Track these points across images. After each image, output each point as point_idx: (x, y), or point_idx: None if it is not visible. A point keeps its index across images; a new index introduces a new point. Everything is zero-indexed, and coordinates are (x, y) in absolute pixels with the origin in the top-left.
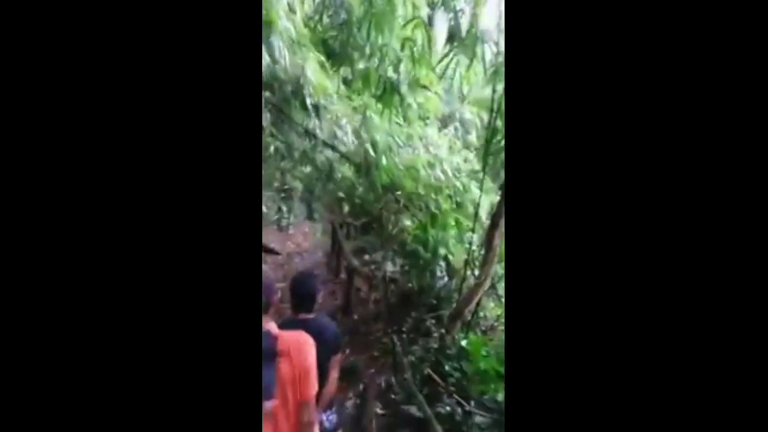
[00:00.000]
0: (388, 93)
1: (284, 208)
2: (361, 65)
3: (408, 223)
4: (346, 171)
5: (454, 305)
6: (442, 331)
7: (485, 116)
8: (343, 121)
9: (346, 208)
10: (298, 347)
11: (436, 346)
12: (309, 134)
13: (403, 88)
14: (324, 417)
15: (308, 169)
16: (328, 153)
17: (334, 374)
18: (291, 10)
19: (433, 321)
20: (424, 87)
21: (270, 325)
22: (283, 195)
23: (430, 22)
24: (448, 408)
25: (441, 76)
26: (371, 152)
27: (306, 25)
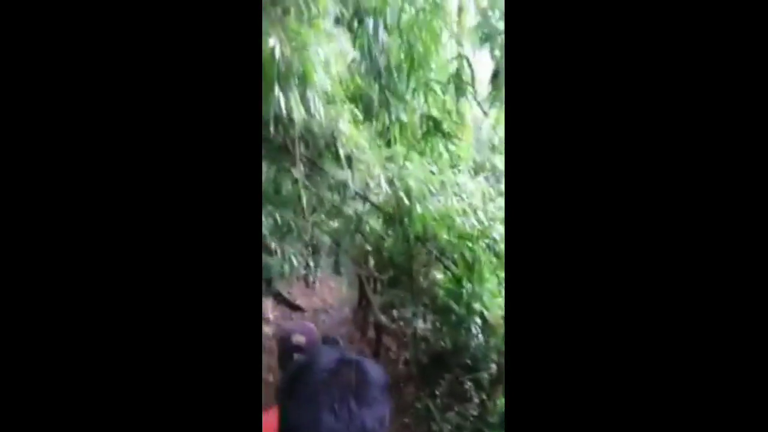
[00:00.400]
0: (432, 132)
1: (312, 264)
2: (400, 113)
3: (439, 276)
4: (374, 224)
5: (494, 366)
6: (483, 396)
7: None
8: (376, 171)
9: (372, 262)
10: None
11: (475, 413)
12: (339, 186)
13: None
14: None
15: (336, 223)
16: (358, 206)
17: None
18: (327, 64)
19: (471, 384)
20: (456, 137)
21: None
22: (311, 250)
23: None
24: None
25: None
26: (405, 200)
27: (341, 81)
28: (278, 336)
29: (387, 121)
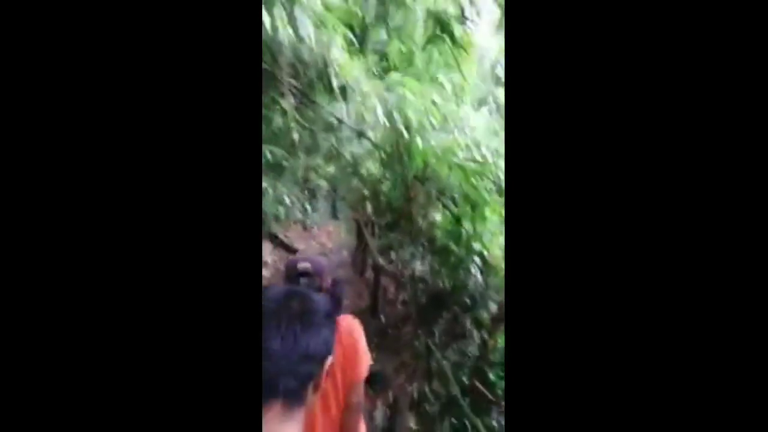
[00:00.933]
0: (441, 33)
1: (309, 208)
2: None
3: (438, 217)
4: (372, 167)
5: (494, 306)
6: (483, 334)
7: None
8: (372, 103)
9: (370, 208)
10: (349, 330)
11: (475, 350)
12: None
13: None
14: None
15: (333, 168)
16: (354, 148)
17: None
18: None
19: (470, 322)
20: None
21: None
22: (307, 193)
23: None
24: (494, 423)
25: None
26: (405, 134)
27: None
28: (285, 263)
29: (383, 36)
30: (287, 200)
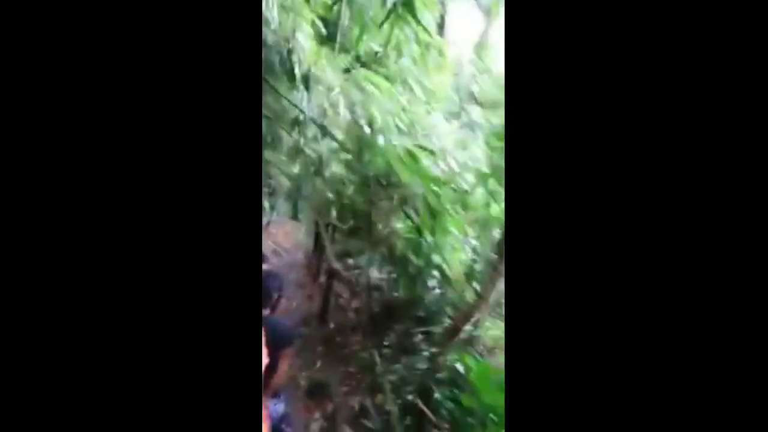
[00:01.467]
0: (398, 14)
1: (267, 205)
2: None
3: (400, 225)
4: (336, 168)
5: (448, 321)
6: (433, 350)
7: (496, 122)
8: (335, 94)
9: (334, 212)
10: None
11: (424, 366)
12: (299, 120)
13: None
14: (271, 405)
15: (297, 168)
16: (316, 146)
17: (283, 366)
18: None
19: (422, 337)
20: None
21: None
22: (268, 191)
23: None
24: None
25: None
26: (366, 130)
27: None
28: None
29: (355, 31)
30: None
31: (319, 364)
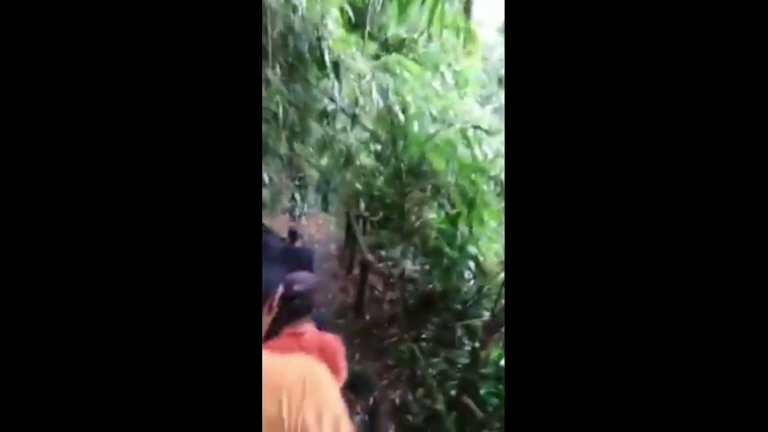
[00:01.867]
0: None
1: (298, 197)
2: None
3: (433, 216)
4: (365, 159)
5: (487, 314)
6: (476, 344)
7: None
8: (367, 80)
9: (363, 204)
10: (322, 347)
11: (466, 360)
12: (327, 112)
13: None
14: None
15: (326, 159)
16: (345, 137)
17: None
18: None
19: (462, 331)
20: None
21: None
22: (297, 183)
23: None
24: None
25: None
26: (400, 116)
27: None
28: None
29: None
30: (265, 177)
31: (357, 356)
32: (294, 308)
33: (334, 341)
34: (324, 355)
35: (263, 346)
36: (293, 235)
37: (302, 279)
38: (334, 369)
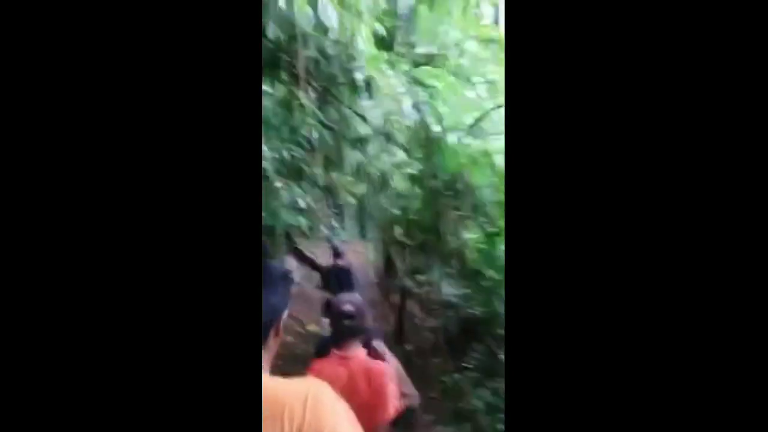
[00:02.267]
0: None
1: (336, 225)
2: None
3: (471, 236)
4: (400, 183)
5: None
6: None
7: None
8: (399, 96)
9: (400, 230)
10: (377, 374)
11: None
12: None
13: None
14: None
15: (362, 186)
16: (379, 162)
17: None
18: None
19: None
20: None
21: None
22: (335, 211)
23: None
24: None
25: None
26: (435, 127)
27: None
28: (328, 302)
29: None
30: (303, 205)
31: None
32: (344, 329)
33: (383, 371)
34: (371, 385)
35: (311, 364)
36: (336, 252)
37: (352, 300)
38: (383, 399)
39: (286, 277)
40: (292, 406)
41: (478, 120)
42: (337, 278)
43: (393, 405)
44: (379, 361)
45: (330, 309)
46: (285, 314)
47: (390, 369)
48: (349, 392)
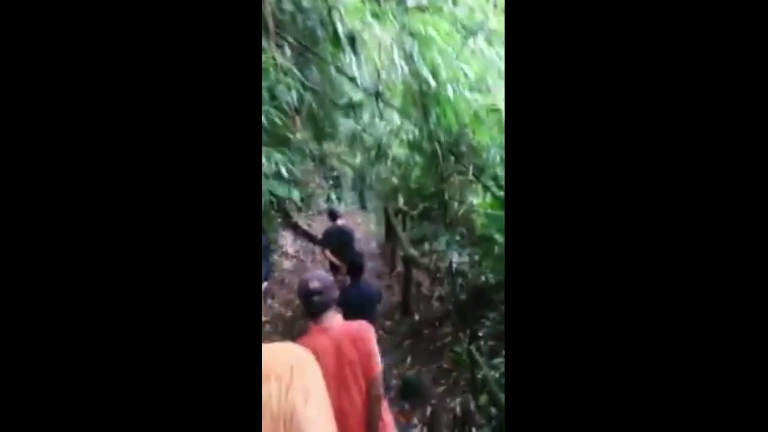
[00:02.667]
0: None
1: (333, 196)
2: None
3: (476, 201)
4: (397, 149)
5: None
6: None
7: None
8: (388, 49)
9: (402, 199)
10: (363, 333)
11: None
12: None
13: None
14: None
15: (357, 156)
16: (374, 129)
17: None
18: None
19: None
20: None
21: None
22: (332, 182)
23: None
24: None
25: None
26: (431, 80)
27: None
28: (298, 283)
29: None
30: (282, 171)
31: (409, 360)
32: (315, 304)
33: (364, 330)
34: (356, 346)
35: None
36: (333, 215)
37: (317, 277)
38: (370, 356)
39: (265, 249)
40: (280, 373)
41: (480, 74)
42: (337, 238)
43: (377, 357)
44: (359, 321)
45: (299, 289)
46: (265, 285)
47: (366, 324)
48: (339, 358)
